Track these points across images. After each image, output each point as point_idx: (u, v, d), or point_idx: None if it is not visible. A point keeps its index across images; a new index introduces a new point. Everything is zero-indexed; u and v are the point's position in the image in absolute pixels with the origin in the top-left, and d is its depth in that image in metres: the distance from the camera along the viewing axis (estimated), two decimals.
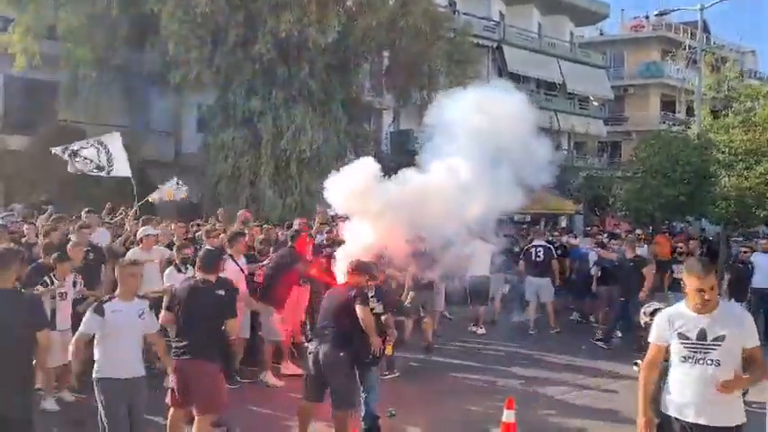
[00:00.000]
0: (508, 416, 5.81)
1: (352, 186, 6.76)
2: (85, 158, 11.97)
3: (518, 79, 33.38)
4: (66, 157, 12.06)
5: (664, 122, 36.09)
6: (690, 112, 31.87)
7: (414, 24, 19.47)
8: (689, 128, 24.95)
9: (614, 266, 11.95)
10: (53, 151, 12.17)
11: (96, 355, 5.19)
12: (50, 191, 18.40)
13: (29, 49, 17.59)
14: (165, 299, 6.32)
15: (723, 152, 20.04)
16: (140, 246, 9.01)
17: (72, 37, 17.86)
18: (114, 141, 12.14)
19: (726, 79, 23.01)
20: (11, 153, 19.39)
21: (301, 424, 6.21)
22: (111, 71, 18.65)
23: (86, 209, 10.81)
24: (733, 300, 10.71)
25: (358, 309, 6.03)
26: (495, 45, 32.09)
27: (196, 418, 5.69)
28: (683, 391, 4.07)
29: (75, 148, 12.04)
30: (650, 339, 4.27)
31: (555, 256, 12.80)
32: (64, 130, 19.56)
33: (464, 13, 29.57)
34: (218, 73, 18.34)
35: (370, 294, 6.65)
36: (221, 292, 5.85)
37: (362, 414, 6.66)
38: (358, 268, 6.35)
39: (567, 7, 36.58)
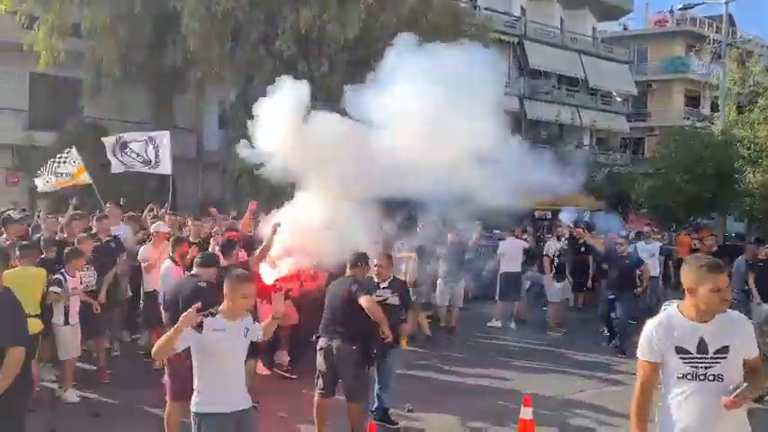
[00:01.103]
0: (526, 413, 5.80)
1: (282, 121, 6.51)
2: (133, 152, 12.29)
3: (540, 75, 33.35)
4: (113, 153, 12.46)
5: (687, 118, 35.65)
6: (714, 107, 31.46)
7: (434, 20, 19.42)
8: (713, 123, 24.67)
9: (601, 258, 11.73)
10: (104, 141, 12.75)
11: (195, 384, 4.33)
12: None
13: (53, 47, 17.88)
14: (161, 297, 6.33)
15: (748, 148, 19.82)
16: (152, 242, 9.02)
17: (96, 35, 18.09)
18: (164, 139, 12.49)
19: (751, 74, 22.72)
20: (36, 149, 19.71)
21: (319, 420, 6.20)
22: (134, 68, 18.88)
23: (108, 202, 10.99)
24: (761, 300, 10.45)
25: (362, 300, 6.02)
26: (516, 41, 31.93)
27: None
28: (684, 416, 3.42)
29: (128, 139, 12.44)
30: (639, 355, 3.56)
31: (546, 254, 12.53)
32: (88, 127, 19.90)
33: (485, 9, 29.44)
34: (239, 70, 18.47)
35: (383, 286, 6.68)
36: (203, 284, 5.86)
37: (374, 406, 6.72)
38: (357, 260, 6.36)
39: (589, 2, 36.26)
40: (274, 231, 7.10)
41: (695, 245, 12.24)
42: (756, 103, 21.22)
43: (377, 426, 6.01)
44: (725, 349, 3.37)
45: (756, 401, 7.26)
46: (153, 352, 4.25)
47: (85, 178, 12.19)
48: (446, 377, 8.97)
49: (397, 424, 6.75)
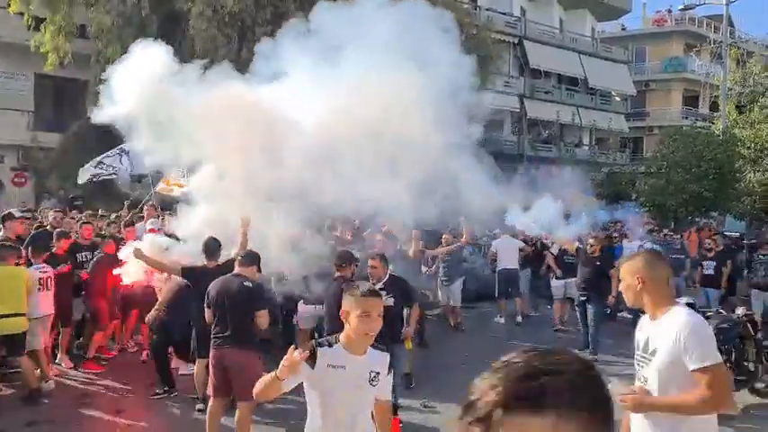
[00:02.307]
0: None
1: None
2: (107, 165, 12.46)
3: (540, 74, 33.52)
4: (90, 170, 12.69)
5: (686, 118, 35.86)
6: (714, 107, 31.66)
7: None
8: (713, 123, 24.86)
9: (573, 260, 11.30)
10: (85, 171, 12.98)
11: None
12: (80, 186, 18.83)
13: (60, 49, 17.95)
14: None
15: (748, 147, 19.98)
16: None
17: (102, 36, 18.17)
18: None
19: (751, 74, 22.92)
20: (42, 150, 19.82)
21: None
22: None
23: (147, 204, 11.19)
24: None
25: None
26: (516, 41, 32.12)
27: (238, 404, 5.75)
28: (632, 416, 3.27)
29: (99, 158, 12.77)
30: None
31: (550, 251, 12.47)
32: (93, 128, 19.97)
33: (486, 9, 29.59)
34: (246, 70, 18.56)
35: (378, 287, 6.72)
36: (249, 284, 5.93)
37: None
38: (341, 261, 6.44)
39: (588, 2, 36.47)
40: (246, 225, 6.68)
41: (709, 244, 12.39)
42: (757, 102, 21.39)
43: (400, 420, 6.13)
44: (654, 352, 3.07)
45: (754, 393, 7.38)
46: (255, 394, 3.35)
47: (170, 190, 12.15)
48: (458, 374, 9.08)
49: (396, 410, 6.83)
